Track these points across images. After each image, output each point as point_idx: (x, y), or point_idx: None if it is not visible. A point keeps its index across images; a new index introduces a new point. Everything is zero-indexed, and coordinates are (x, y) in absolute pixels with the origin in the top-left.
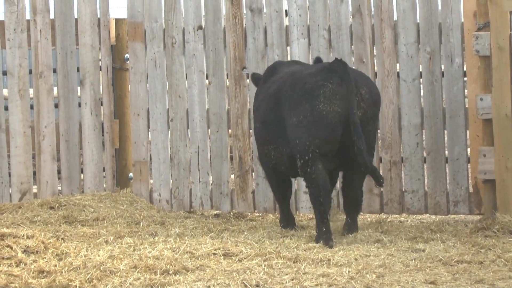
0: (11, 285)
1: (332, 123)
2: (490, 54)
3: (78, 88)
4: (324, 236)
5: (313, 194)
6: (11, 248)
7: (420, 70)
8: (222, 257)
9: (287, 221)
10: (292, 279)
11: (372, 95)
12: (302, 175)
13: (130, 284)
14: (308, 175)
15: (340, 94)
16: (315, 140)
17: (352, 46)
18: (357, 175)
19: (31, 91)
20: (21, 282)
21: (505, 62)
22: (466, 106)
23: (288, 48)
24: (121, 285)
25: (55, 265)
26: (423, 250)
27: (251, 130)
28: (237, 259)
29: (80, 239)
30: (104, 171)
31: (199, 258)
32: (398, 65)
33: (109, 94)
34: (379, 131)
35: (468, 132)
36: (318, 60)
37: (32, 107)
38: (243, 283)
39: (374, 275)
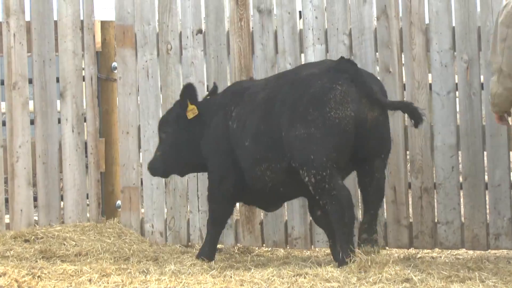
0: None
1: (348, 131)
2: None
3: (58, 101)
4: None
5: (336, 212)
6: None
7: (456, 81)
8: None
9: (213, 254)
10: None
11: (384, 93)
12: (318, 192)
13: None
14: (327, 192)
15: (352, 96)
16: (332, 154)
17: (377, 54)
18: (378, 160)
19: (2, 104)
20: None
21: None
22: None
23: (302, 55)
24: None
25: None
26: None
27: None
28: None
29: (60, 277)
30: (87, 198)
31: None
32: (430, 75)
33: (93, 108)
34: (407, 152)
35: (511, 153)
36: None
37: (4, 124)
38: None
39: None
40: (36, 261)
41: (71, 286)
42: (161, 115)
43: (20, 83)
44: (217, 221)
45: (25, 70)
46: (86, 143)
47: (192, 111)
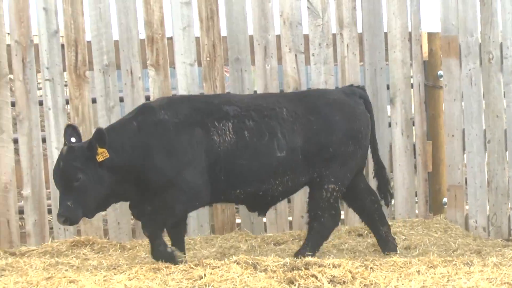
0: None
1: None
2: None
3: (388, 106)
4: None
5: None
6: (316, 278)
7: None
8: None
9: None
10: None
11: None
12: (325, 205)
13: None
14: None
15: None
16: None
17: None
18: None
19: None
20: None
21: None
22: None
23: None
24: None
25: None
26: None
27: None
28: None
29: (390, 268)
30: (416, 196)
31: None
32: None
33: (421, 113)
34: None
35: None
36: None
37: None
38: None
39: None
40: (368, 254)
41: (400, 277)
42: (484, 120)
43: None
44: None
45: (358, 78)
46: (414, 145)
47: (102, 154)
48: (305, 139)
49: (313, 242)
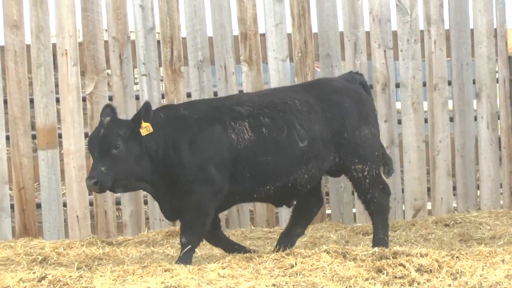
0: None
1: None
2: None
3: (474, 101)
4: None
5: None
6: (404, 266)
7: None
8: None
9: None
10: None
11: None
12: (366, 185)
13: None
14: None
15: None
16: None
17: None
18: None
19: (425, 104)
20: None
21: None
22: None
23: None
24: None
25: (449, 285)
26: None
27: None
28: None
29: (476, 257)
30: (501, 187)
31: None
32: None
33: (506, 107)
34: None
35: None
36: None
37: (426, 121)
38: None
39: None
40: (455, 243)
41: (485, 265)
42: None
43: (440, 85)
44: None
45: (445, 73)
46: (499, 138)
47: (146, 128)
48: (322, 126)
49: (381, 225)
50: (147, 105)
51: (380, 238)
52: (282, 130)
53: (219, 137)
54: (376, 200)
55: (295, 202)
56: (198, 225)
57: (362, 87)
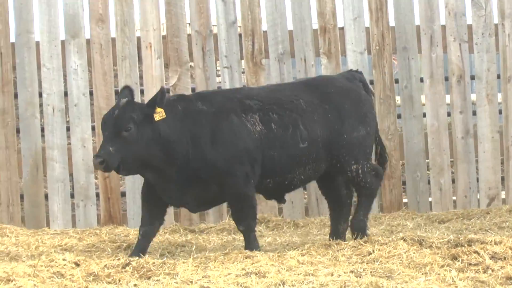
0: None
1: None
2: None
3: None
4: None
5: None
6: (478, 254)
7: None
8: None
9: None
10: None
11: None
12: (358, 179)
13: None
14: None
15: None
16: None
17: None
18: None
19: (499, 95)
20: None
21: None
22: None
23: None
24: None
25: None
26: None
27: None
28: None
29: None
30: None
31: None
32: None
33: None
34: None
35: None
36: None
37: (500, 112)
38: None
39: None
40: None
41: None
42: None
43: None
44: None
45: None
46: None
47: (159, 114)
48: (323, 128)
49: (365, 207)
50: (162, 90)
51: (360, 220)
52: (287, 128)
53: (241, 128)
54: (368, 185)
55: (285, 198)
56: (246, 210)
57: (362, 85)
